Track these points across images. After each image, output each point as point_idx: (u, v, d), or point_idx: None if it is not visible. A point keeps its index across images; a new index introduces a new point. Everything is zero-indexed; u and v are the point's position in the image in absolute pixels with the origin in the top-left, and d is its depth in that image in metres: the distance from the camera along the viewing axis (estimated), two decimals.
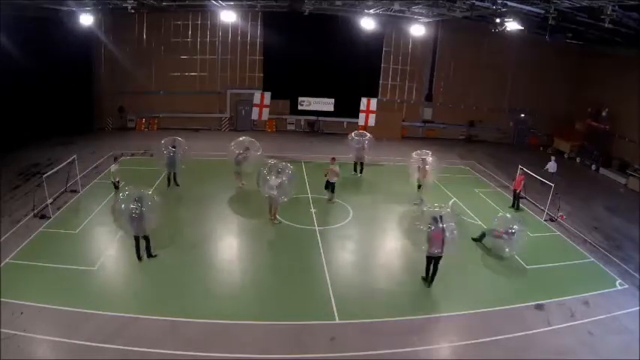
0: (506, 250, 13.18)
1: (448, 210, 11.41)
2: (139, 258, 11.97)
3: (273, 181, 13.82)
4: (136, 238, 11.81)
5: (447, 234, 10.78)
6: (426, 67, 28.12)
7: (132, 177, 18.08)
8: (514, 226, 13.02)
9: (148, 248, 12.09)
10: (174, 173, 17.37)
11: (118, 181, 16.21)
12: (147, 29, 25.97)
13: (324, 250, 13.21)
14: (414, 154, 17.39)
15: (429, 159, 16.91)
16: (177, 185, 17.50)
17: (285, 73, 26.31)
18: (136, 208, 11.17)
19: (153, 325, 9.46)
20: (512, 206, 17.34)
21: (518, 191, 17.29)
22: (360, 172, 19.87)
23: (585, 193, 19.90)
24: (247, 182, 17.16)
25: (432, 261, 11.26)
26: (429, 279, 11.53)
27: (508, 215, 14.12)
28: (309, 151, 23.19)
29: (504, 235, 13.07)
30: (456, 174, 20.90)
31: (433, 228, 10.76)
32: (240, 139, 17.54)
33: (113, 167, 15.63)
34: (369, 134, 19.90)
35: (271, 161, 14.67)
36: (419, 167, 16.80)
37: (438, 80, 28.28)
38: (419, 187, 17.21)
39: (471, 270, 12.68)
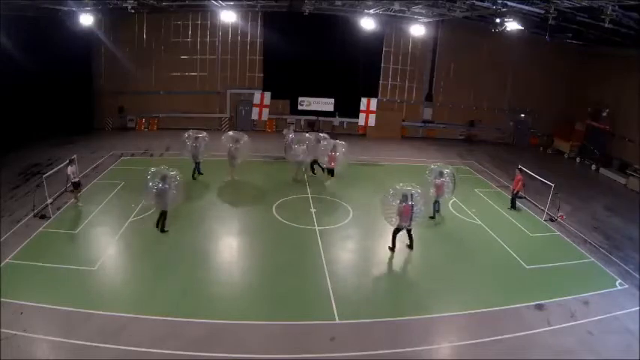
0: (447, 194, 15.31)
1: (418, 190, 12.81)
2: (157, 226, 13.61)
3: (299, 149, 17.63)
4: (161, 213, 13.50)
5: (415, 209, 12.46)
6: (426, 67, 28.13)
7: (132, 177, 18.14)
8: (445, 171, 15.23)
9: (163, 223, 13.56)
10: (198, 163, 18.29)
11: (79, 182, 15.48)
12: (147, 29, 25.97)
13: (324, 250, 13.20)
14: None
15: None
16: (201, 174, 18.36)
17: (285, 73, 26.30)
18: (161, 186, 12.85)
19: (153, 325, 9.46)
20: (511, 207, 17.25)
21: (515, 191, 17.22)
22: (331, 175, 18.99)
23: (585, 193, 19.90)
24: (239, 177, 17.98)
25: (400, 232, 12.96)
26: (394, 246, 13.11)
27: (432, 166, 15.88)
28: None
29: (445, 181, 15.00)
30: (455, 174, 20.85)
31: (404, 204, 12.39)
32: (230, 133, 18.70)
33: (69, 169, 15.27)
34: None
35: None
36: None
37: (438, 80, 28.29)
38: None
39: (471, 270, 12.68)
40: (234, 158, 17.81)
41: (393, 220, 12.73)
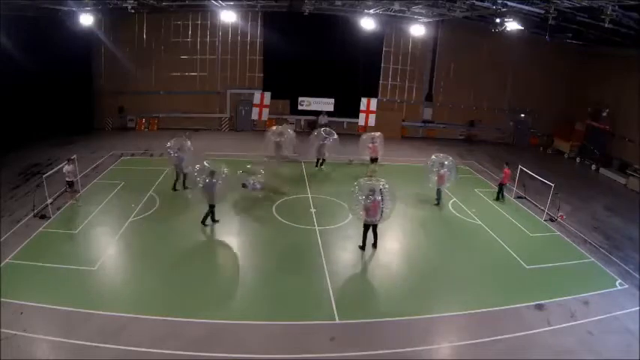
0: (451, 180, 16.26)
1: (386, 185, 12.55)
2: (203, 223, 14.13)
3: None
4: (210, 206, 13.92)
5: (383, 205, 12.30)
6: (426, 67, 28.12)
7: (132, 177, 18.16)
8: (445, 162, 16.00)
9: (212, 216, 14.18)
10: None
11: (72, 182, 15.39)
12: (147, 29, 25.96)
13: (324, 250, 13.20)
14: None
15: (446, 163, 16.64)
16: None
17: (285, 73, 26.29)
18: (208, 180, 13.22)
19: (153, 325, 9.46)
20: (497, 199, 17.93)
21: (502, 183, 17.98)
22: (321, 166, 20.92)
23: (585, 193, 19.90)
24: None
25: (370, 228, 12.81)
26: (365, 244, 13.08)
27: (434, 157, 16.59)
28: (309, 151, 23.13)
29: (446, 172, 15.86)
30: (454, 164, 20.83)
31: (371, 199, 12.19)
32: (274, 127, 20.56)
33: (66, 168, 15.26)
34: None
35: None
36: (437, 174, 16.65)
37: (438, 80, 28.27)
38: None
39: (471, 270, 12.68)
40: (280, 151, 19.28)
41: (361, 215, 12.56)
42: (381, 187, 12.44)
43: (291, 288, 11.38)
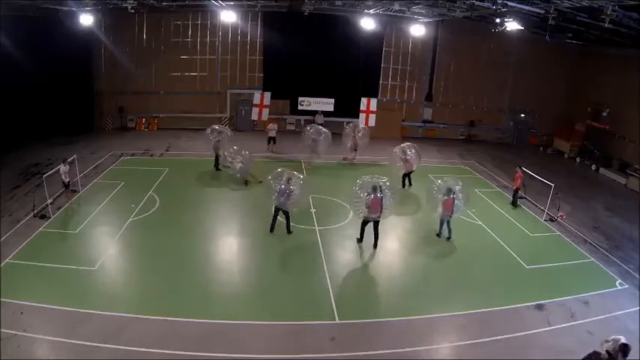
0: (457, 213, 14.00)
1: (387, 182, 12.85)
2: (272, 230, 13.89)
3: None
4: (276, 210, 13.66)
5: (385, 202, 12.49)
6: (425, 67, 28.12)
7: (132, 177, 18.18)
8: (455, 187, 13.73)
9: (287, 224, 13.90)
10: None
11: (69, 182, 15.40)
12: (147, 29, 25.95)
13: (324, 250, 13.20)
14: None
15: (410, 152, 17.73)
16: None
17: (285, 73, 26.28)
18: (287, 187, 13.20)
19: (153, 325, 9.46)
20: (512, 204, 17.49)
21: (515, 188, 17.48)
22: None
23: (585, 193, 19.90)
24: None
25: (368, 224, 12.99)
26: (362, 238, 13.33)
27: (440, 182, 14.29)
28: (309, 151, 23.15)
29: (455, 200, 13.64)
30: (456, 174, 20.79)
31: (372, 196, 12.40)
32: (312, 126, 20.97)
33: (62, 168, 15.29)
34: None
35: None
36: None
37: (438, 80, 28.27)
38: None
39: (471, 270, 12.68)
40: (316, 150, 19.69)
41: (360, 211, 12.89)
42: (381, 184, 12.65)
43: (292, 288, 11.38)
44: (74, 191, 16.22)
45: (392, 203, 12.81)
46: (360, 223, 13.36)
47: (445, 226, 14.12)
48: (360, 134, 21.06)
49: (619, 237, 15.42)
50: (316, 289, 11.26)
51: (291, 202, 13.49)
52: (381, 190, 12.50)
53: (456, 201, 13.64)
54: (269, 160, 20.98)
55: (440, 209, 13.83)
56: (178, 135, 25.38)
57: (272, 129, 22.72)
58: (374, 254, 13.36)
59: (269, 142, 22.58)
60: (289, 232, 13.94)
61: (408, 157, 17.61)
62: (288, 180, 13.37)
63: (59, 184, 15.90)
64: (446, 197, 13.56)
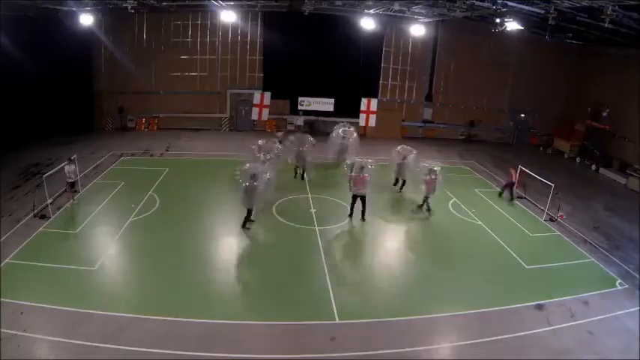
0: (436, 191, 15.80)
1: (372, 163, 14.99)
2: (243, 226, 14.08)
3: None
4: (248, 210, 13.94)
5: (369, 178, 14.55)
6: (426, 67, 28.12)
7: (132, 177, 18.17)
8: (434, 168, 15.78)
9: (246, 219, 14.01)
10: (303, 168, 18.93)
11: (75, 181, 15.43)
12: (147, 29, 25.96)
13: (324, 249, 13.20)
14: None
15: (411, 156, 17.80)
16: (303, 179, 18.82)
17: (285, 73, 26.28)
18: (248, 184, 13.28)
19: (153, 325, 9.46)
20: (511, 199, 18.05)
21: (510, 183, 18.11)
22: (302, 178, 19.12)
23: (585, 193, 19.90)
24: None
25: (357, 199, 14.88)
26: (352, 214, 15.16)
27: (425, 164, 16.27)
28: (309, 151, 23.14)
29: (434, 178, 15.55)
30: (456, 174, 20.88)
31: (360, 174, 14.47)
32: (341, 130, 20.16)
33: (67, 168, 15.10)
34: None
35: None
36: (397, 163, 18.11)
37: (438, 80, 28.27)
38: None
39: (471, 270, 12.68)
40: (343, 153, 19.25)
41: (349, 186, 14.76)
42: (369, 165, 14.80)
43: (291, 288, 11.38)
44: (75, 191, 16.22)
45: (370, 180, 14.62)
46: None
47: (426, 202, 16.22)
48: (350, 140, 20.07)
49: (619, 237, 15.41)
50: (316, 289, 11.26)
51: (255, 197, 13.59)
52: (367, 169, 14.51)
53: (435, 179, 15.61)
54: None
55: (422, 187, 15.95)
56: (178, 135, 25.39)
57: (279, 136, 21.35)
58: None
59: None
60: (244, 226, 14.08)
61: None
62: (252, 176, 13.45)
63: (59, 184, 15.91)
64: (427, 177, 15.70)
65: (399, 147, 18.44)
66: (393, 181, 18.43)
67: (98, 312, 9.67)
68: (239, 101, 27.50)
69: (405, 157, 17.65)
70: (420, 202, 16.32)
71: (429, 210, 16.20)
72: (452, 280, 12.11)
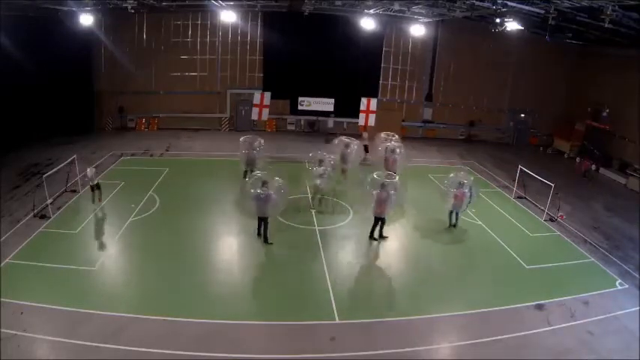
0: (469, 203, 14.64)
1: (396, 180, 13.74)
2: (259, 235, 13.44)
3: (317, 170, 15.52)
4: (259, 219, 13.28)
5: (392, 198, 13.25)
6: (426, 67, 28.11)
7: (132, 177, 18.17)
8: (464, 181, 14.51)
9: (265, 233, 13.29)
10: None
11: (98, 184, 15.36)
12: (147, 29, 25.95)
13: (324, 250, 13.21)
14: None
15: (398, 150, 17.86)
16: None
17: (285, 73, 26.28)
18: (260, 191, 12.63)
19: (153, 325, 9.47)
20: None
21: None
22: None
23: (585, 193, 19.89)
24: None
25: (379, 221, 13.64)
26: (372, 235, 13.87)
27: (451, 175, 15.18)
28: (309, 151, 23.11)
29: (465, 192, 14.34)
30: (476, 186, 20.83)
31: (380, 191, 13.19)
32: (343, 138, 18.81)
33: (89, 171, 15.11)
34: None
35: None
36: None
37: (438, 80, 28.27)
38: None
39: (471, 270, 12.70)
40: (346, 162, 17.97)
41: (373, 206, 13.44)
42: (385, 181, 13.47)
43: (291, 288, 11.38)
44: (74, 191, 16.24)
45: (394, 200, 13.44)
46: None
47: (454, 216, 15.01)
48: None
49: (619, 237, 15.42)
50: (316, 289, 11.26)
51: (271, 207, 12.90)
52: (387, 187, 13.26)
53: (467, 193, 14.40)
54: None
55: (451, 201, 14.60)
56: (178, 135, 25.39)
57: (365, 137, 21.33)
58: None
59: (365, 150, 20.37)
60: (266, 241, 13.26)
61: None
62: (264, 184, 12.76)
63: (59, 184, 15.95)
64: (457, 190, 14.39)
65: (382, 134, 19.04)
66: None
67: (98, 312, 9.68)
68: (239, 101, 27.49)
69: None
70: (449, 222, 15.10)
71: (454, 225, 15.08)
72: (452, 280, 12.12)
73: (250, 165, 17.59)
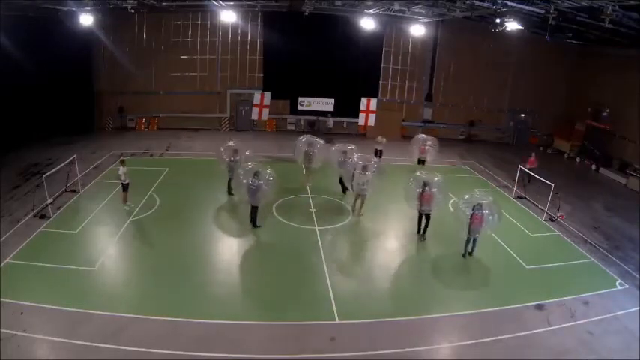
0: (483, 230, 12.61)
1: (438, 179, 13.80)
2: (253, 224, 14.17)
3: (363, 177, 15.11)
4: (252, 208, 14.02)
5: (435, 195, 13.54)
6: (426, 67, 28.11)
7: (132, 177, 18.12)
8: (482, 201, 12.36)
9: (254, 219, 14.05)
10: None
11: (128, 184, 15.16)
12: (147, 29, 25.95)
13: (324, 249, 13.20)
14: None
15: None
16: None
17: (285, 73, 26.28)
18: (251, 182, 13.36)
19: (153, 325, 9.46)
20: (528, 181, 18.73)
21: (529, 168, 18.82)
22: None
23: (585, 193, 19.90)
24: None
25: (423, 216, 14.00)
26: (421, 231, 14.18)
27: (466, 196, 12.95)
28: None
29: (484, 214, 12.26)
30: (456, 174, 20.91)
31: (423, 190, 13.45)
32: (306, 137, 18.36)
33: (121, 170, 15.23)
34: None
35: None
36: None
37: (438, 80, 28.27)
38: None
39: (471, 270, 12.69)
40: (310, 163, 17.77)
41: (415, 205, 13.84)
42: (429, 180, 13.65)
43: (292, 288, 11.38)
44: (74, 191, 16.23)
45: (437, 198, 13.73)
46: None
47: (471, 243, 12.97)
48: (428, 145, 20.69)
49: (619, 237, 15.42)
50: (316, 289, 11.26)
51: (261, 196, 13.66)
52: (430, 185, 13.48)
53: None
54: None
55: (468, 227, 12.53)
56: (178, 135, 25.40)
57: (381, 141, 21.02)
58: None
59: (376, 155, 19.93)
60: (255, 225, 14.16)
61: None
62: (255, 174, 13.44)
63: (59, 184, 15.93)
64: (473, 213, 12.29)
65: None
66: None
67: (98, 312, 9.67)
68: (239, 101, 27.49)
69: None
70: (464, 249, 13.10)
71: (470, 253, 13.11)
72: (452, 280, 12.12)
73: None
